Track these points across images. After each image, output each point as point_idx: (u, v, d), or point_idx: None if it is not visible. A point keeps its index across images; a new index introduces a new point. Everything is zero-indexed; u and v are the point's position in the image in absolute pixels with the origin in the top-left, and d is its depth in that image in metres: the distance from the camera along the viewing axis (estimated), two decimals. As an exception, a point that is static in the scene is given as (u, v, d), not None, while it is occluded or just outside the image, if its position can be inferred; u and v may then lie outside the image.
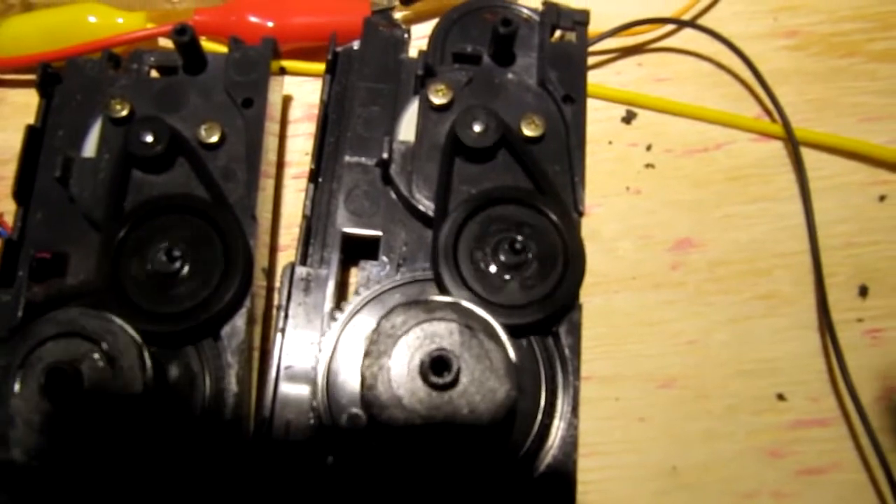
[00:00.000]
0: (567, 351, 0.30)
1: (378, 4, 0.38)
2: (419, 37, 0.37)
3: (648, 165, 0.39)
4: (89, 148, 0.33)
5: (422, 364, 0.26)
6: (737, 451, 0.35)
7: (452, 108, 0.33)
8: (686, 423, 0.35)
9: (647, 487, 0.35)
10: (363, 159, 0.33)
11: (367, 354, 0.27)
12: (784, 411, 0.36)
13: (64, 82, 0.34)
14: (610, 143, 0.40)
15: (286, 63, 0.38)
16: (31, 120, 0.33)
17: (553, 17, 0.35)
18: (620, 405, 0.36)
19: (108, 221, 0.31)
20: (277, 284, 0.31)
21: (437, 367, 0.26)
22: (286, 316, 0.30)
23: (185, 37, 0.32)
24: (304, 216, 0.32)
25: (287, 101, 0.40)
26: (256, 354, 0.32)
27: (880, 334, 0.37)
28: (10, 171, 0.33)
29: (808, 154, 0.39)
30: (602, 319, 0.36)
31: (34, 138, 0.33)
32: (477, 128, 0.31)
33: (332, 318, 0.30)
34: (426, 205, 0.31)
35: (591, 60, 0.36)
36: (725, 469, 0.35)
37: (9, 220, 0.33)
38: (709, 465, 0.35)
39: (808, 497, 0.35)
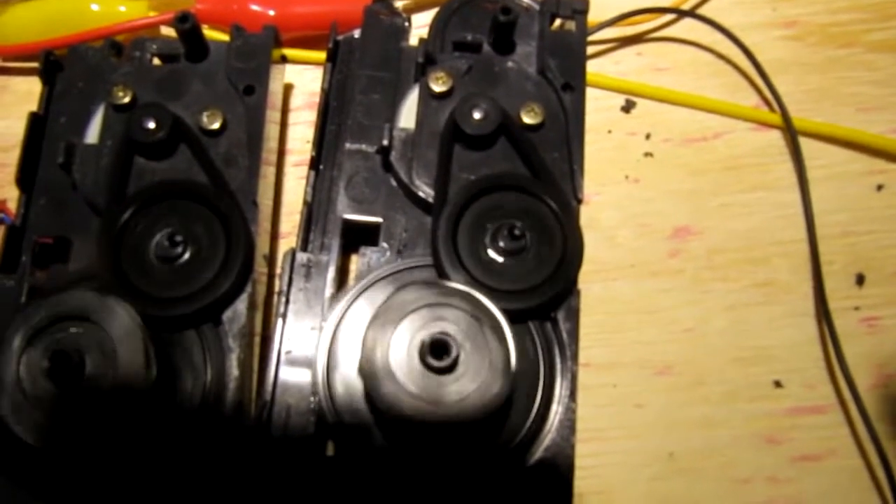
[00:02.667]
0: (565, 336, 0.30)
1: (378, -7, 0.38)
2: (420, 25, 0.37)
3: (647, 154, 0.39)
4: (92, 134, 0.33)
5: (422, 344, 0.26)
6: (733, 438, 0.35)
7: (452, 96, 0.33)
8: (683, 410, 0.36)
9: (644, 473, 0.35)
10: (364, 146, 0.33)
11: (367, 337, 0.27)
12: (781, 398, 0.36)
13: (66, 70, 0.34)
14: (609, 132, 0.40)
15: (287, 51, 0.38)
16: (33, 107, 0.34)
17: (553, 5, 0.35)
18: (618, 392, 0.36)
19: (110, 207, 0.31)
20: (278, 271, 0.32)
21: (436, 349, 0.26)
22: (287, 301, 0.31)
23: (187, 24, 0.33)
24: (305, 203, 0.32)
25: (288, 89, 0.40)
26: (257, 340, 0.32)
27: (877, 322, 0.37)
28: (12, 157, 0.33)
29: (805, 143, 0.39)
30: (600, 307, 0.37)
31: (37, 125, 0.33)
32: (477, 115, 0.32)
33: (333, 303, 0.30)
34: (426, 191, 0.32)
35: (590, 50, 0.36)
36: (722, 455, 0.35)
37: (12, 206, 0.34)
38: (705, 451, 0.35)
39: (804, 483, 0.35)
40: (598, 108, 0.40)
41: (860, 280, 0.38)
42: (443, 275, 0.30)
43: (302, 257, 0.31)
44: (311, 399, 0.29)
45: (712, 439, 0.35)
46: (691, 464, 0.35)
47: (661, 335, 0.37)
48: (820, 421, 0.36)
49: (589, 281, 0.36)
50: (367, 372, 0.26)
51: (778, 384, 0.36)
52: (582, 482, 0.34)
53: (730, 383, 0.36)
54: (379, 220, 0.32)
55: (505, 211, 0.31)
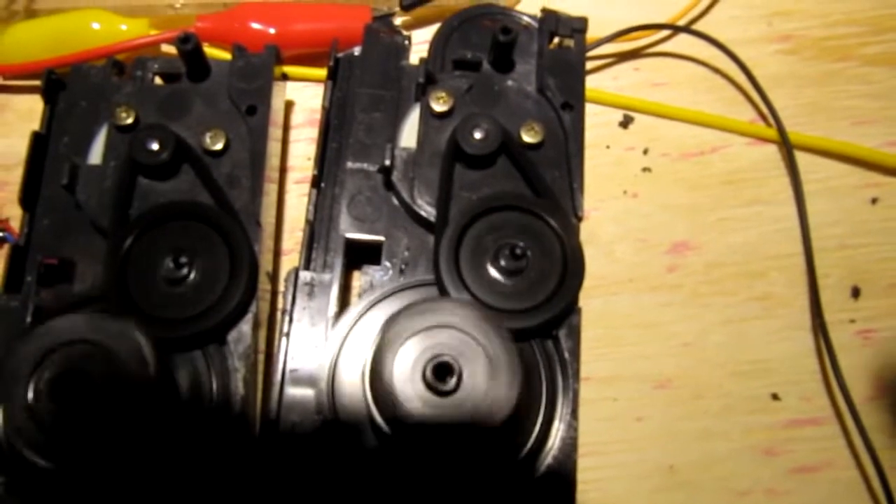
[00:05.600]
0: (567, 354, 0.30)
1: (379, 10, 0.38)
2: (419, 42, 0.38)
3: (645, 169, 0.40)
4: (95, 155, 0.33)
5: (424, 370, 0.27)
6: (732, 450, 0.36)
7: (453, 115, 0.33)
8: (682, 423, 0.36)
9: (644, 486, 0.35)
10: (365, 165, 0.33)
11: (372, 356, 0.27)
12: (778, 411, 0.36)
13: (68, 89, 0.35)
14: (607, 147, 0.40)
15: (288, 69, 0.38)
16: (35, 126, 0.34)
17: (552, 24, 0.35)
18: (618, 405, 0.36)
19: (114, 228, 0.31)
20: (282, 288, 0.32)
21: (439, 372, 0.27)
22: (291, 320, 0.31)
23: (189, 45, 0.33)
24: (308, 221, 0.32)
25: (289, 106, 0.40)
26: (262, 358, 0.32)
27: (872, 335, 0.37)
28: (14, 176, 0.33)
29: (801, 157, 0.39)
30: (600, 321, 0.37)
31: (39, 144, 0.33)
32: (477, 135, 0.32)
33: (336, 322, 0.31)
34: (428, 210, 0.32)
35: (588, 65, 0.37)
36: (721, 467, 0.36)
37: (15, 225, 0.34)
38: (705, 463, 0.36)
39: (802, 495, 0.35)
40: (597, 123, 0.40)
41: (856, 293, 0.38)
42: (445, 294, 0.30)
43: (305, 276, 0.31)
44: (316, 417, 0.30)
45: (711, 452, 0.36)
46: (691, 476, 0.35)
47: (661, 349, 0.37)
48: (817, 433, 0.36)
49: (588, 296, 0.37)
50: (377, 410, 0.27)
51: (775, 397, 0.36)
52: (583, 495, 0.34)
53: (728, 396, 0.36)
54: (381, 238, 0.32)
55: (506, 230, 0.31)
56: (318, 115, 0.34)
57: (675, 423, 0.36)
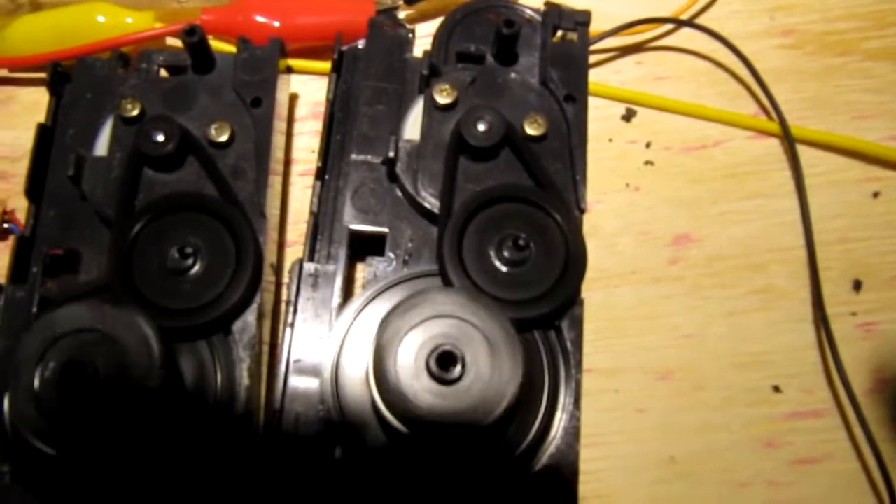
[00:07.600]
0: (569, 345, 0.31)
1: (382, 4, 0.38)
2: (423, 35, 0.38)
3: (648, 162, 0.40)
4: (101, 146, 0.33)
5: (428, 359, 0.27)
6: (733, 442, 0.36)
7: (457, 108, 0.33)
8: (683, 415, 0.36)
9: (645, 477, 0.35)
10: (369, 157, 0.34)
11: (374, 350, 0.27)
12: (779, 403, 0.36)
13: (73, 81, 0.35)
14: (610, 140, 0.40)
15: (292, 62, 0.38)
16: (40, 118, 0.34)
17: (555, 17, 0.36)
18: (620, 397, 0.36)
19: (120, 219, 0.31)
20: (286, 280, 0.32)
21: (443, 361, 0.27)
22: (295, 311, 0.31)
23: (195, 37, 0.33)
24: (312, 213, 0.32)
25: (293, 99, 0.40)
26: (266, 349, 0.33)
27: (873, 327, 0.38)
28: (20, 168, 0.33)
29: (803, 151, 0.39)
30: (602, 313, 0.37)
31: (45, 137, 0.34)
32: (481, 127, 0.32)
33: (340, 312, 0.31)
34: (431, 202, 0.32)
35: (591, 59, 0.37)
36: (722, 459, 0.36)
37: (21, 216, 0.34)
38: (705, 455, 0.36)
39: (802, 486, 0.35)
40: (599, 116, 0.40)
41: (857, 286, 0.38)
42: (448, 285, 0.30)
43: (309, 267, 0.32)
44: (320, 407, 0.30)
45: (712, 443, 0.36)
46: (692, 468, 0.36)
47: (662, 341, 0.37)
48: (818, 425, 0.36)
49: (591, 288, 0.37)
50: (380, 398, 0.27)
51: (776, 389, 0.37)
52: (584, 486, 0.34)
53: (729, 388, 0.37)
54: (385, 230, 0.32)
55: (509, 221, 0.31)
56: (322, 108, 0.35)
57: (676, 415, 0.36)
